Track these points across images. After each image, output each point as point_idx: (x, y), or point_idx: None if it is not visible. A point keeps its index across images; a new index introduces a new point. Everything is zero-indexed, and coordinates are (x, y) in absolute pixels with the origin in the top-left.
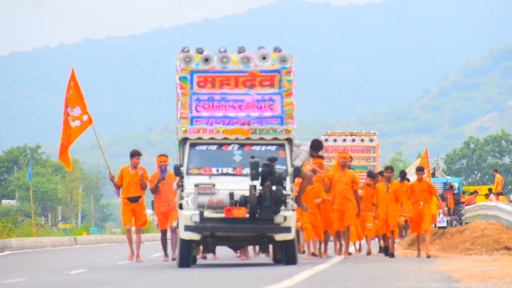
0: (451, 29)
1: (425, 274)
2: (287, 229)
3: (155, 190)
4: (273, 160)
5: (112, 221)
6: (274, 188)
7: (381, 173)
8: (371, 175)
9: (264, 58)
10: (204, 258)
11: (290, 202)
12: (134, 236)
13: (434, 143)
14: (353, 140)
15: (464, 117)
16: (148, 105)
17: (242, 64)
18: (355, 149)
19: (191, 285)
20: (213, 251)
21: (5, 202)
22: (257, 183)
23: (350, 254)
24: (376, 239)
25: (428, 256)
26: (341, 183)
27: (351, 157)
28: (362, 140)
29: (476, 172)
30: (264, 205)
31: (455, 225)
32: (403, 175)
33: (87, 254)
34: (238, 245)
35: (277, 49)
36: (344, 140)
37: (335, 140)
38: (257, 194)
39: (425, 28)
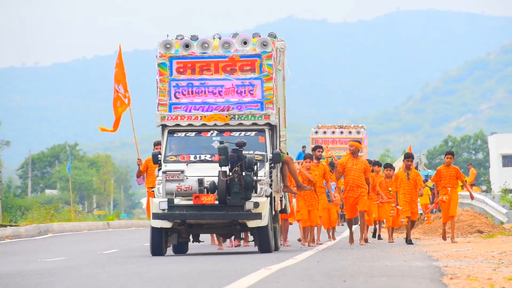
0: (432, 43)
1: (409, 254)
2: (258, 215)
3: None
4: (241, 145)
5: (140, 208)
6: (243, 174)
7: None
8: (377, 163)
9: (245, 43)
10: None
11: (263, 188)
12: None
13: (417, 141)
14: (341, 132)
15: (443, 118)
16: None
17: (223, 49)
18: (343, 140)
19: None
20: (196, 240)
21: (48, 191)
22: (226, 169)
23: (366, 240)
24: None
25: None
26: (354, 171)
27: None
28: (350, 132)
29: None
30: (233, 191)
31: (435, 212)
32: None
33: (118, 237)
34: (212, 232)
35: (256, 34)
36: (333, 132)
37: (324, 132)
38: (226, 180)
39: (409, 42)
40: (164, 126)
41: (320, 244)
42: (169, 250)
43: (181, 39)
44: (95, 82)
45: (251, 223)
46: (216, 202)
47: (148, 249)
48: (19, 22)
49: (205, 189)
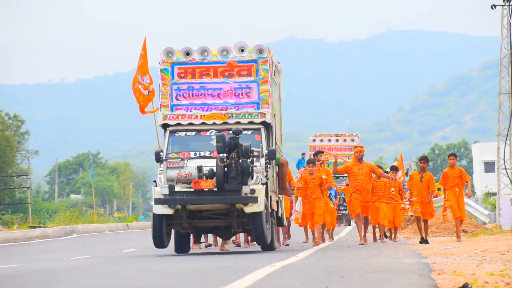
0: (419, 60)
1: (400, 252)
2: (254, 199)
3: None
4: (238, 133)
5: None
6: (240, 160)
7: None
8: (393, 169)
9: (242, 50)
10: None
11: (259, 176)
12: None
13: (407, 149)
14: (337, 140)
15: (430, 128)
16: None
17: (221, 56)
18: (339, 147)
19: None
20: (198, 241)
21: (73, 196)
22: (224, 155)
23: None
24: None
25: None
26: (361, 175)
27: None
28: (345, 140)
29: (440, 172)
30: (230, 177)
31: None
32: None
33: (136, 237)
34: (211, 223)
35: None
36: (329, 140)
37: (321, 140)
38: (224, 165)
39: (399, 59)
40: (165, 126)
41: (331, 241)
42: (171, 250)
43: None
44: (115, 96)
45: (248, 209)
46: (214, 188)
47: (163, 249)
48: (48, 41)
49: (204, 176)
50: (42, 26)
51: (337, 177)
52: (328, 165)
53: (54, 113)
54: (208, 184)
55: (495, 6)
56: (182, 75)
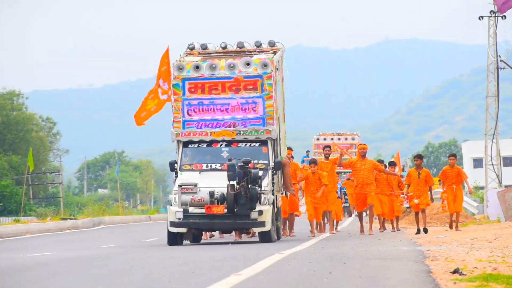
0: (415, 66)
1: (397, 241)
2: (262, 224)
3: None
4: (247, 162)
5: None
6: (249, 187)
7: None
8: (391, 164)
9: (247, 64)
10: (212, 236)
11: (267, 197)
12: None
13: (403, 147)
14: (339, 138)
15: (424, 128)
16: None
17: (228, 70)
18: (340, 145)
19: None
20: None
21: (100, 191)
22: (234, 183)
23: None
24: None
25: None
26: (363, 171)
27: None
28: (346, 138)
29: (433, 168)
30: (240, 203)
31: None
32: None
33: (158, 228)
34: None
35: (258, 42)
36: (332, 139)
37: (324, 139)
38: (234, 193)
39: (396, 65)
40: (178, 141)
41: (334, 233)
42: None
43: (192, 48)
44: (138, 100)
45: (256, 229)
46: (225, 211)
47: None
48: (77, 49)
49: (216, 200)
50: (72, 36)
51: (338, 173)
52: None
53: (83, 115)
54: (219, 210)
55: (482, 17)
56: (193, 89)
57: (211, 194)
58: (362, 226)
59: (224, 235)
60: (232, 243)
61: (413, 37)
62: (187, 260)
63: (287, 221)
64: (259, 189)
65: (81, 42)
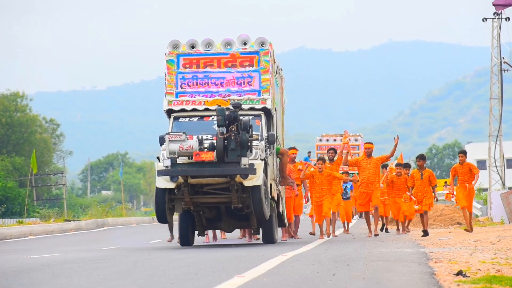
0: (418, 68)
1: (400, 242)
2: (253, 171)
3: None
4: (237, 106)
5: None
6: (239, 133)
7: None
8: (406, 165)
9: (244, 43)
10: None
11: (258, 152)
12: None
13: (407, 149)
14: (341, 140)
15: (428, 130)
16: None
17: (225, 48)
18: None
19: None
20: (201, 234)
21: (104, 192)
22: (223, 129)
23: (376, 235)
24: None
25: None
26: (368, 170)
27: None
28: (349, 140)
29: (436, 170)
30: (230, 149)
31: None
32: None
33: (161, 229)
34: (213, 198)
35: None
36: (335, 140)
37: (327, 140)
38: (224, 137)
39: (399, 67)
40: (170, 112)
41: (335, 236)
42: (174, 243)
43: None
44: (141, 102)
45: (247, 182)
46: (215, 159)
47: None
48: (80, 51)
49: (205, 148)
50: (76, 38)
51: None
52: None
53: (86, 117)
54: (208, 156)
55: (486, 19)
56: (187, 65)
57: (200, 141)
58: (370, 228)
59: (227, 236)
60: (236, 245)
61: (416, 39)
62: (190, 262)
63: (293, 224)
64: (250, 137)
65: (85, 44)
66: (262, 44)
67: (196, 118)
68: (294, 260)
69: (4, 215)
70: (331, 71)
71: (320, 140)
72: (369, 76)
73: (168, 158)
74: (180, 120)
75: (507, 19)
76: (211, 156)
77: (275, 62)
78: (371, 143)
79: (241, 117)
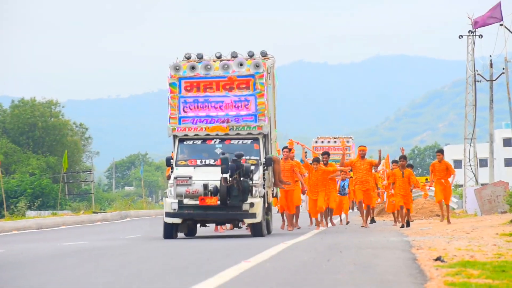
0: (402, 79)
1: (386, 232)
2: (253, 215)
3: None
4: (240, 156)
5: None
6: (241, 180)
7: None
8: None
9: (241, 65)
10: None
11: (258, 190)
12: None
13: (392, 150)
14: (335, 141)
15: (411, 134)
16: None
17: (223, 70)
18: (336, 148)
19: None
20: (203, 225)
21: (127, 188)
22: (227, 176)
23: (364, 226)
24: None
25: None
26: (361, 170)
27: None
28: (341, 141)
29: (418, 168)
30: (232, 195)
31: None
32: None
33: None
34: (214, 223)
35: (250, 52)
36: (329, 141)
37: (322, 142)
38: (227, 185)
39: (386, 78)
40: (175, 136)
41: (334, 225)
42: (201, 232)
43: (188, 57)
44: (159, 108)
45: (248, 221)
46: (218, 203)
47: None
48: (107, 62)
49: (209, 192)
50: (102, 54)
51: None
52: (335, 161)
53: (111, 121)
54: (212, 201)
55: (462, 36)
56: (188, 88)
57: (205, 186)
58: (365, 219)
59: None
60: (241, 236)
61: (401, 53)
62: (202, 249)
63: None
64: (251, 182)
65: (109, 59)
66: (256, 66)
67: (199, 141)
68: (293, 248)
69: (40, 207)
70: (326, 82)
71: (316, 142)
72: (360, 86)
73: (175, 201)
74: (184, 142)
75: (480, 36)
76: (215, 201)
77: (267, 70)
78: (365, 146)
79: (243, 164)
